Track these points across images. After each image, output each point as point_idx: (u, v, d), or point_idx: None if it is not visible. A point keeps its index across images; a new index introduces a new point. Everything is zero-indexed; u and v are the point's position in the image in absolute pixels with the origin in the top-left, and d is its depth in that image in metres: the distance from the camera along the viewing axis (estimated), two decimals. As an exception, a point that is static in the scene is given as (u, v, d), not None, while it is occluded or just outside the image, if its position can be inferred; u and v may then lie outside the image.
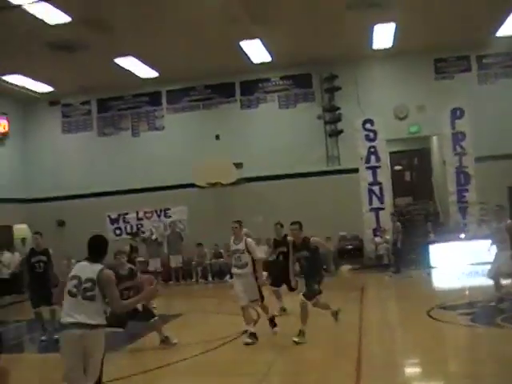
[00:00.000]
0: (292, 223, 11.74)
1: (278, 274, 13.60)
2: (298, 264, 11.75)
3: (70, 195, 25.76)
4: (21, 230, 25.24)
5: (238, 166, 24.25)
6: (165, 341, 11.16)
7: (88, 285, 6.39)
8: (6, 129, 25.51)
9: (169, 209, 25.46)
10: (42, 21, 16.00)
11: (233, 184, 23.97)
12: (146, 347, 11.98)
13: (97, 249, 6.66)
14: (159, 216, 25.68)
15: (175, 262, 23.66)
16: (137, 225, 25.73)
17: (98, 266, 6.47)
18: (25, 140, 27.03)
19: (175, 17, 17.90)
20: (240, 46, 21.09)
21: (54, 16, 16.43)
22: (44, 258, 12.85)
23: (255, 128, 24.87)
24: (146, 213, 25.74)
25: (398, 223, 21.05)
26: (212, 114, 25.54)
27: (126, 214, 25.91)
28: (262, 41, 20.81)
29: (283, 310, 13.75)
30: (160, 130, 26.18)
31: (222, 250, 23.34)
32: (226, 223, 22.85)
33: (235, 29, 19.15)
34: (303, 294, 10.91)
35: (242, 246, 11.83)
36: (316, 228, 21.91)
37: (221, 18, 18.07)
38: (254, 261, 11.58)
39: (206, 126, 25.32)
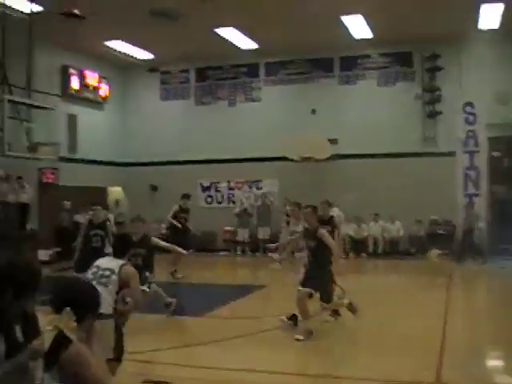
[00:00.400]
0: (307, 206, 11.10)
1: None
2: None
3: (164, 161, 26.17)
4: (115, 192, 25.89)
5: (333, 141, 24.06)
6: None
7: (106, 272, 6.60)
8: (107, 93, 26.05)
9: (260, 180, 25.55)
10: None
11: (326, 160, 23.82)
12: (230, 315, 12.17)
13: (121, 248, 6.87)
14: (250, 187, 25.82)
15: (263, 233, 23.83)
16: (228, 194, 25.98)
17: (120, 261, 6.71)
18: (123, 105, 27.58)
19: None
20: (341, 21, 20.83)
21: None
22: (101, 232, 12.71)
23: (352, 105, 24.58)
24: (237, 183, 25.94)
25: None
26: (309, 88, 25.36)
27: (218, 182, 26.17)
28: (363, 16, 20.50)
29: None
30: (256, 102, 26.21)
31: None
32: (317, 198, 22.91)
33: (337, 3, 18.93)
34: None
35: (300, 228, 11.61)
36: (407, 209, 21.85)
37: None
38: None
39: (302, 100, 25.18)
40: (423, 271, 19.61)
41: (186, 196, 18.20)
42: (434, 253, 22.00)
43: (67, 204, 22.33)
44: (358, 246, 22.94)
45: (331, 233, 11.27)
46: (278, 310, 11.66)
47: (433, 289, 15.78)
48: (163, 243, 11.77)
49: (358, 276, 19.23)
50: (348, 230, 22.65)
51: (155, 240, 11.31)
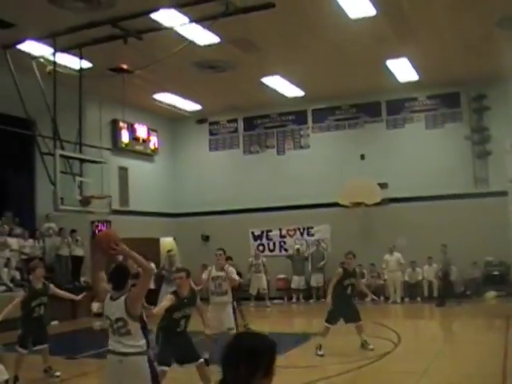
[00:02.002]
0: (348, 252, 12.95)
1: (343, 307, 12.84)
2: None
3: (215, 211, 26.32)
4: (167, 243, 26.03)
5: (383, 186, 23.97)
6: None
7: (120, 324, 6.52)
8: (156, 145, 26.43)
9: (312, 227, 25.50)
10: (192, 41, 16.44)
11: (377, 204, 23.70)
12: (287, 365, 12.08)
13: (118, 278, 6.80)
14: (302, 234, 25.77)
15: (316, 280, 23.72)
16: (280, 242, 25.94)
17: (121, 299, 6.55)
18: (173, 156, 27.94)
19: (321, 37, 17.98)
20: (386, 65, 20.90)
21: (204, 37, 16.88)
22: (45, 300, 11.58)
23: (401, 148, 24.49)
24: (288, 230, 25.90)
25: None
26: (357, 133, 25.40)
27: (270, 231, 26.16)
28: (408, 59, 20.53)
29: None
30: (305, 149, 26.29)
31: (364, 271, 23.19)
32: (369, 243, 22.92)
33: (382, 48, 19.01)
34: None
35: (222, 273, 12.13)
36: (461, 252, 21.50)
37: (367, 37, 17.99)
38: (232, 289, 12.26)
39: (351, 146, 25.19)
40: (480, 313, 19.24)
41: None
42: (491, 294, 21.62)
43: (120, 257, 22.49)
44: (412, 291, 22.66)
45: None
46: (335, 358, 11.60)
47: (491, 331, 15.50)
48: None
49: (414, 321, 19.05)
50: (403, 274, 22.53)
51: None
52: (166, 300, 8.72)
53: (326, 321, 12.56)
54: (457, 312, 19.79)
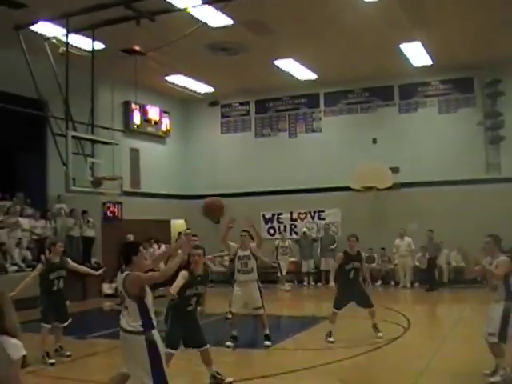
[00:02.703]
0: (351, 235, 12.87)
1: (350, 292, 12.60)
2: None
3: (226, 193, 26.20)
4: (178, 224, 26.09)
5: (394, 170, 23.90)
6: None
7: (121, 298, 6.79)
8: (168, 127, 26.43)
9: (323, 211, 25.49)
10: (204, 23, 16.39)
11: (388, 189, 23.64)
12: (295, 347, 12.15)
13: (124, 254, 6.88)
14: (313, 217, 25.77)
15: (326, 264, 23.72)
16: (290, 225, 25.94)
17: (123, 275, 6.72)
18: (185, 139, 27.95)
19: (334, 20, 17.89)
20: (400, 49, 20.77)
21: (217, 19, 16.82)
22: (63, 273, 11.64)
23: (413, 133, 24.38)
24: (299, 214, 25.90)
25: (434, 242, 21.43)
26: (369, 117, 25.32)
27: (280, 214, 26.17)
28: (422, 43, 20.40)
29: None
30: (317, 132, 26.24)
31: (375, 255, 23.21)
32: (380, 228, 22.92)
33: (395, 32, 18.89)
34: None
35: (248, 252, 12.33)
36: (472, 237, 21.30)
37: (380, 21, 17.88)
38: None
39: (363, 130, 25.11)
40: (490, 299, 19.17)
41: None
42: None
43: (131, 237, 22.55)
44: (422, 276, 22.59)
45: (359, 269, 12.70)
46: (342, 342, 11.62)
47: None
48: None
49: (424, 306, 19.07)
50: (413, 259, 22.50)
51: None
52: (180, 277, 8.73)
53: (334, 306, 12.44)
54: (468, 296, 19.75)
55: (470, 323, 13.94)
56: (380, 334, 12.33)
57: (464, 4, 17.16)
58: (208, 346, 9.02)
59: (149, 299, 6.73)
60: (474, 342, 9.78)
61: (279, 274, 23.69)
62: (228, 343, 11.78)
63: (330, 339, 12.07)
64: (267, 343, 11.91)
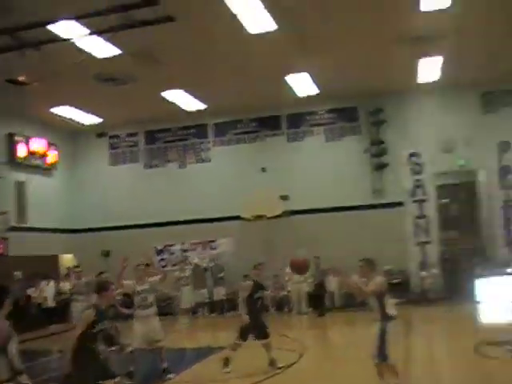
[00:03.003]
0: (259, 263, 12.78)
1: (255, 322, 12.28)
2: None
3: (116, 226, 25.98)
4: (67, 259, 25.52)
5: (284, 198, 24.23)
6: None
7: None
8: (55, 159, 25.86)
9: (214, 241, 25.51)
10: (90, 54, 16.27)
11: (278, 217, 23.91)
12: (191, 380, 12.06)
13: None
14: (204, 248, 25.72)
15: (218, 294, 23.72)
16: (182, 256, 25.78)
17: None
18: (74, 171, 27.47)
19: (222, 52, 18.10)
20: (286, 79, 21.19)
21: (104, 49, 16.70)
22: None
23: (301, 161, 24.88)
24: (191, 244, 25.81)
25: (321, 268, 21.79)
26: (258, 146, 25.64)
27: (172, 245, 26.01)
28: (309, 74, 20.89)
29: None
30: (207, 162, 26.33)
31: (268, 282, 23.37)
32: (271, 255, 23.02)
33: (282, 63, 19.29)
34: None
35: (147, 286, 12.14)
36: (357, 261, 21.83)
37: (267, 52, 18.21)
38: None
39: (252, 159, 25.40)
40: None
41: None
42: (391, 302, 22.06)
43: (18, 275, 21.96)
44: (315, 302, 22.87)
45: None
46: (238, 372, 11.61)
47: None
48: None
49: (318, 331, 19.32)
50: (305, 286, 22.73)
51: None
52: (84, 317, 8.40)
53: (240, 336, 12.07)
54: (360, 319, 20.11)
55: (361, 345, 14.21)
56: (280, 365, 12.03)
57: (349, 36, 17.75)
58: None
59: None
60: (367, 363, 9.97)
61: (181, 306, 23.39)
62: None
63: (227, 369, 11.79)
64: (170, 376, 11.75)
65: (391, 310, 9.23)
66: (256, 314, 12.24)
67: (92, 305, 8.51)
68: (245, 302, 12.31)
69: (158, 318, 12.18)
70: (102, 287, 8.55)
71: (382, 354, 8.91)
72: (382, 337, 8.98)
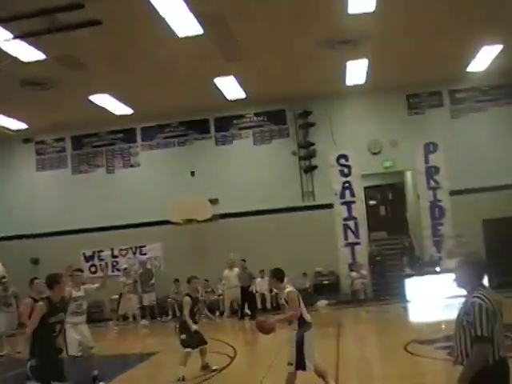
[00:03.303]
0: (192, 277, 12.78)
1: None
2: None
3: (45, 233, 25.52)
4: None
5: (214, 202, 24.24)
6: None
7: None
8: (-20, 166, 25.26)
9: (144, 246, 25.31)
10: (15, 58, 15.96)
11: (208, 220, 23.90)
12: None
13: None
14: (134, 253, 25.49)
15: (148, 299, 23.55)
16: (112, 262, 25.47)
17: None
18: (-1, 177, 26.88)
19: (148, 55, 17.97)
20: (214, 83, 21.17)
21: (29, 53, 16.38)
22: None
23: (230, 164, 24.92)
24: (120, 250, 25.53)
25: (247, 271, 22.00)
26: (187, 150, 25.55)
27: (101, 251, 25.66)
28: (236, 78, 20.93)
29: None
30: (135, 167, 26.11)
31: (199, 287, 23.25)
32: (202, 260, 23.07)
33: (209, 66, 19.25)
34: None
35: (82, 292, 12.13)
36: (292, 263, 22.06)
37: (194, 56, 18.18)
38: None
39: (181, 163, 25.32)
40: (312, 322, 19.82)
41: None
42: (322, 303, 22.35)
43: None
44: (248, 305, 22.89)
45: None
46: (171, 377, 11.54)
47: (323, 339, 15.99)
48: None
49: (250, 334, 19.33)
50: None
51: None
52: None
53: (187, 346, 12.04)
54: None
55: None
56: (214, 367, 12.22)
57: (274, 40, 17.90)
58: None
59: None
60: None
61: (119, 313, 23.33)
62: None
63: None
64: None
65: (307, 316, 9.18)
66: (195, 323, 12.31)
67: (45, 298, 8.53)
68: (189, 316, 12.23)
69: (87, 326, 12.03)
70: (53, 280, 8.52)
71: (300, 363, 8.91)
72: (300, 346, 8.95)
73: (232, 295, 22.74)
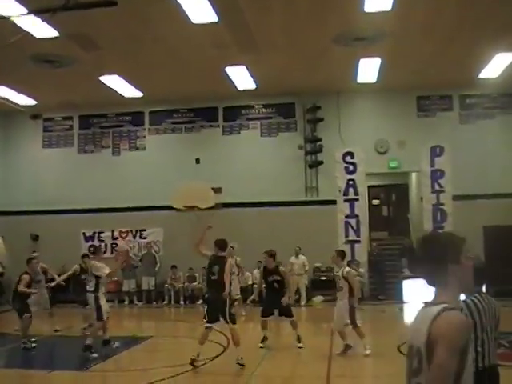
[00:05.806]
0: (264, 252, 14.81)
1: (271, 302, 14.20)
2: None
3: (47, 210, 25.53)
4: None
5: (217, 190, 24.18)
6: None
7: None
8: (-14, 140, 25.28)
9: (144, 230, 25.34)
10: (28, 33, 15.92)
11: (210, 208, 23.86)
12: (114, 369, 11.94)
13: None
14: (134, 236, 25.53)
15: (147, 283, 23.60)
16: (112, 244, 25.53)
17: None
18: (5, 152, 26.88)
19: (162, 39, 17.94)
20: (225, 72, 21.16)
21: (42, 30, 16.35)
22: None
23: (236, 154, 24.90)
24: (121, 232, 25.57)
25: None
26: (193, 137, 25.55)
27: (102, 232, 25.71)
28: (247, 68, 20.91)
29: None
30: (141, 150, 26.11)
31: (196, 274, 23.30)
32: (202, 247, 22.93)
33: (221, 54, 19.23)
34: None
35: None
36: (290, 257, 22.12)
37: (208, 43, 18.16)
38: None
39: (186, 149, 25.31)
40: (307, 318, 19.90)
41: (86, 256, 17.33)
42: (318, 299, 22.37)
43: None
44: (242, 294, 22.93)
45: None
46: (165, 361, 11.57)
47: (318, 335, 16.03)
48: None
49: (244, 324, 19.34)
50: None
51: None
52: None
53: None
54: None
55: (286, 335, 14.36)
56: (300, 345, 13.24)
57: (289, 33, 17.85)
58: None
59: None
60: (292, 360, 10.06)
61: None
62: None
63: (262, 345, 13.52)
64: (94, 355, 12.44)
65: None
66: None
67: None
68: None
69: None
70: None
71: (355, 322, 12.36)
72: (353, 309, 12.20)
73: (296, 282, 22.73)
